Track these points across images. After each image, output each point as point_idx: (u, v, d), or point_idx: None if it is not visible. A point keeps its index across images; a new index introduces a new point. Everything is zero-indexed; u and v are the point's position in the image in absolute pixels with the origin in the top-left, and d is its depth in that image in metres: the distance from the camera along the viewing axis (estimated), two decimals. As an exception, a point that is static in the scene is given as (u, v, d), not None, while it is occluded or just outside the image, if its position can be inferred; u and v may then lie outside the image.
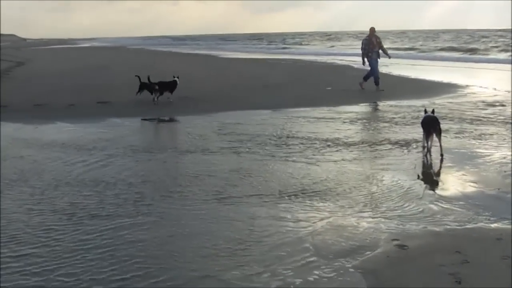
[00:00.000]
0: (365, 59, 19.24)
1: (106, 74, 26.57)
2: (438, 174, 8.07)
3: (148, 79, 15.98)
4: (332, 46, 66.51)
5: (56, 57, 50.47)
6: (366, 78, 19.13)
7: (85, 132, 11.48)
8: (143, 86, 16.16)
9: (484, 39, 67.25)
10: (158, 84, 16.12)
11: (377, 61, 19.19)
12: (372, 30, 19.33)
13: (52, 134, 11.41)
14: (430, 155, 8.98)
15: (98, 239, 5.48)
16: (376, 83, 18.86)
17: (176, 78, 16.35)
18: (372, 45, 19.06)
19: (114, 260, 4.97)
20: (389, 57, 20.12)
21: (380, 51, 19.34)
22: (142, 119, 13.30)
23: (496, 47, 50.72)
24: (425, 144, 9.15)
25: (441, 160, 8.74)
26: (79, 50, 71.75)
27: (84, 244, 5.35)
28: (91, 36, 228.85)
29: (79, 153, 9.34)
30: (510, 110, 13.61)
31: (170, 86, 16.30)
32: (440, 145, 9.03)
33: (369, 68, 19.19)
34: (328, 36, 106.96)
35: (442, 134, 9.08)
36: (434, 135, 8.95)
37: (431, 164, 8.61)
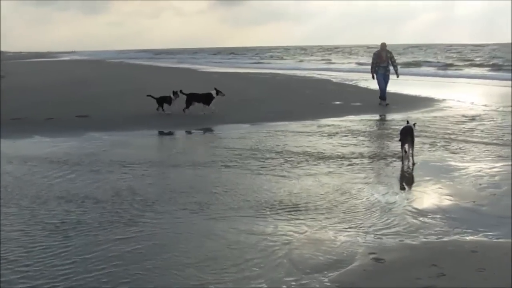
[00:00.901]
0: (374, 74, 19.15)
1: (85, 88, 26.40)
2: (414, 187, 8.13)
3: (181, 91, 16.25)
4: (310, 61, 66.85)
5: (35, 71, 50.07)
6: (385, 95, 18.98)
7: (64, 147, 11.39)
8: (160, 101, 16.35)
9: (459, 54, 68.37)
10: (189, 95, 16.26)
11: (383, 75, 18.96)
12: (383, 45, 19.16)
13: (30, 148, 11.29)
14: (408, 162, 9.34)
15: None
16: (380, 97, 18.91)
17: (212, 91, 16.38)
18: (380, 59, 18.97)
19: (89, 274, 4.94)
20: (397, 76, 19.49)
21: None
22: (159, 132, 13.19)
23: (471, 61, 51.61)
24: (402, 153, 9.60)
25: (412, 169, 9.03)
26: (58, 64, 71.29)
27: (63, 256, 5.30)
28: (70, 49, 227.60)
29: (57, 168, 9.26)
30: (487, 124, 13.80)
31: (204, 97, 16.36)
32: (412, 155, 9.51)
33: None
34: (306, 51, 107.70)
35: (420, 147, 9.21)
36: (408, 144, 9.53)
37: (407, 177, 8.70)
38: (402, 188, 8.05)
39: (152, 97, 16.39)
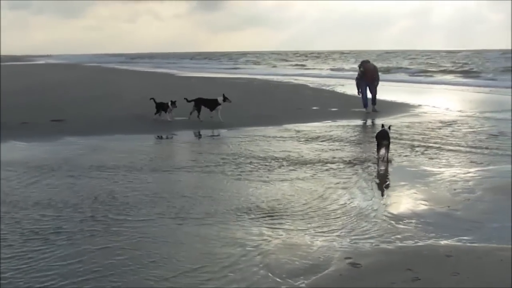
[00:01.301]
0: (359, 89, 19.02)
1: (61, 92, 26.13)
2: (390, 192, 8.19)
3: (185, 99, 16.08)
4: (288, 66, 67.09)
5: (10, 74, 49.36)
6: (372, 101, 18.92)
7: (40, 151, 11.25)
8: (159, 107, 16.18)
9: (432, 60, 69.35)
10: (196, 100, 16.16)
11: (365, 84, 18.89)
12: (370, 65, 19.19)
13: (6, 153, 11.09)
14: (384, 165, 9.74)
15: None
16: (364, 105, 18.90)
17: (219, 97, 16.19)
18: (367, 79, 18.73)
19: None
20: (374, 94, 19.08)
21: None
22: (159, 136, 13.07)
23: (444, 67, 52.35)
24: (377, 155, 10.16)
25: (387, 170, 9.54)
26: (33, 67, 70.42)
27: (35, 265, 5.24)
28: (46, 53, 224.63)
29: (33, 173, 9.13)
30: (461, 129, 13.99)
31: (209, 103, 16.22)
32: (387, 156, 10.10)
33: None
34: (283, 56, 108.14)
35: (396, 152, 9.32)
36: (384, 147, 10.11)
37: (383, 182, 8.76)
38: (378, 193, 8.08)
39: (154, 101, 16.22)
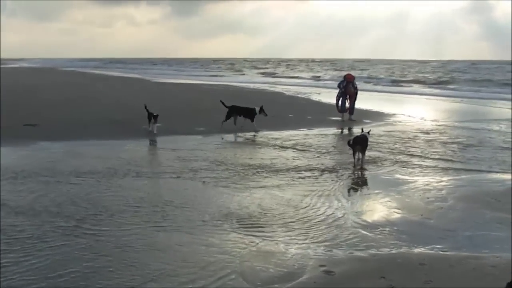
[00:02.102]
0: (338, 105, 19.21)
1: (33, 96, 25.78)
2: (364, 200, 8.23)
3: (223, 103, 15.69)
4: (264, 73, 67.29)
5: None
6: (345, 109, 19.09)
7: (13, 157, 11.06)
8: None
9: (406, 71, 70.23)
10: (231, 107, 15.68)
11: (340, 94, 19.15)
12: (351, 77, 19.52)
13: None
14: (359, 167, 10.35)
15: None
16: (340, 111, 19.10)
17: (256, 107, 15.73)
18: (349, 93, 18.90)
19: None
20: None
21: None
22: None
23: (417, 76, 53.03)
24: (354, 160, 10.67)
25: (361, 169, 10.18)
26: (7, 71, 69.43)
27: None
28: (20, 57, 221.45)
29: (6, 179, 8.97)
30: (435, 138, 14.16)
31: (246, 111, 15.74)
32: (362, 160, 10.57)
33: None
34: (258, 63, 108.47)
35: (372, 160, 9.41)
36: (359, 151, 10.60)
37: (357, 190, 8.81)
38: (352, 201, 8.11)
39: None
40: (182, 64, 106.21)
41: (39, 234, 6.25)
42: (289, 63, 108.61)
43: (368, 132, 10.89)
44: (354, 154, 10.66)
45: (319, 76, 58.24)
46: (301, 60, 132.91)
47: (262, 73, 67.75)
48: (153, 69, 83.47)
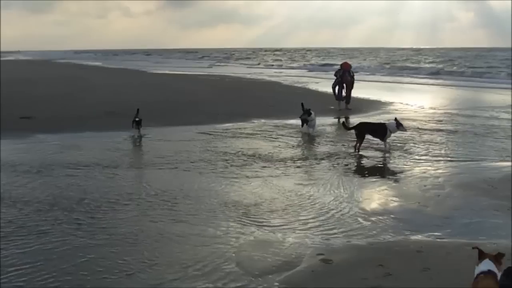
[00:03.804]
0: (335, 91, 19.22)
1: (29, 89, 25.61)
2: (361, 189, 8.21)
3: (302, 106, 13.83)
4: (259, 64, 67.10)
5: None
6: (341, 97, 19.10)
7: (11, 150, 11.04)
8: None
9: (400, 57, 70.26)
10: (360, 125, 11.32)
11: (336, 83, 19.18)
12: (348, 65, 19.54)
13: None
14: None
15: None
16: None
17: (390, 122, 11.41)
18: (346, 81, 18.91)
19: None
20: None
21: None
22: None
23: (414, 65, 53.01)
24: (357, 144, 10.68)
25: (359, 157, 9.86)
26: (1, 64, 69.14)
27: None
28: (15, 49, 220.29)
29: (4, 171, 8.96)
30: (433, 126, 14.16)
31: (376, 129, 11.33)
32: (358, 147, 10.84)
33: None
34: (255, 53, 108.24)
35: (369, 149, 9.36)
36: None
37: (354, 179, 8.79)
38: (349, 190, 8.09)
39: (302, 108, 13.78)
40: (178, 55, 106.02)
41: (32, 223, 6.25)
42: (285, 53, 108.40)
43: (395, 119, 11.04)
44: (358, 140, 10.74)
45: (314, 65, 58.22)
46: (296, 50, 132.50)
47: (259, 63, 67.60)
48: (148, 60, 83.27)
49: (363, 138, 11.02)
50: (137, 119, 12.84)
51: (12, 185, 8.07)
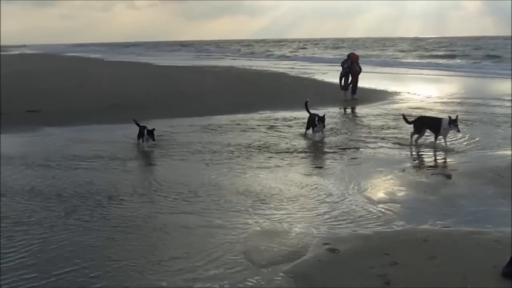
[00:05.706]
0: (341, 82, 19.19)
1: (35, 82, 25.65)
2: (367, 178, 8.19)
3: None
4: (266, 54, 66.97)
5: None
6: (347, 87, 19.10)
7: (18, 143, 11.14)
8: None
9: (406, 47, 69.95)
10: (418, 119, 10.98)
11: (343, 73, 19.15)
12: (356, 57, 19.45)
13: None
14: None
15: None
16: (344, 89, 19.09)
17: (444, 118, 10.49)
18: (354, 71, 18.91)
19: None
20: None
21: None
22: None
23: (419, 54, 52.77)
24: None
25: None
26: (7, 58, 69.33)
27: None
28: (21, 43, 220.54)
29: (13, 165, 9.00)
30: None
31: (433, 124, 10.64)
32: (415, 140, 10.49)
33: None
34: (260, 44, 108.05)
35: (374, 139, 9.31)
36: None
37: (360, 168, 8.76)
38: (356, 179, 8.08)
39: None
40: (184, 47, 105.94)
41: (44, 216, 6.30)
42: (291, 43, 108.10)
43: (456, 117, 10.03)
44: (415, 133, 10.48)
45: (319, 56, 58.08)
46: (301, 41, 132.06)
47: (265, 54, 67.49)
48: (155, 52, 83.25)
49: (421, 132, 10.64)
50: (147, 128, 10.41)
51: (25, 179, 8.10)
